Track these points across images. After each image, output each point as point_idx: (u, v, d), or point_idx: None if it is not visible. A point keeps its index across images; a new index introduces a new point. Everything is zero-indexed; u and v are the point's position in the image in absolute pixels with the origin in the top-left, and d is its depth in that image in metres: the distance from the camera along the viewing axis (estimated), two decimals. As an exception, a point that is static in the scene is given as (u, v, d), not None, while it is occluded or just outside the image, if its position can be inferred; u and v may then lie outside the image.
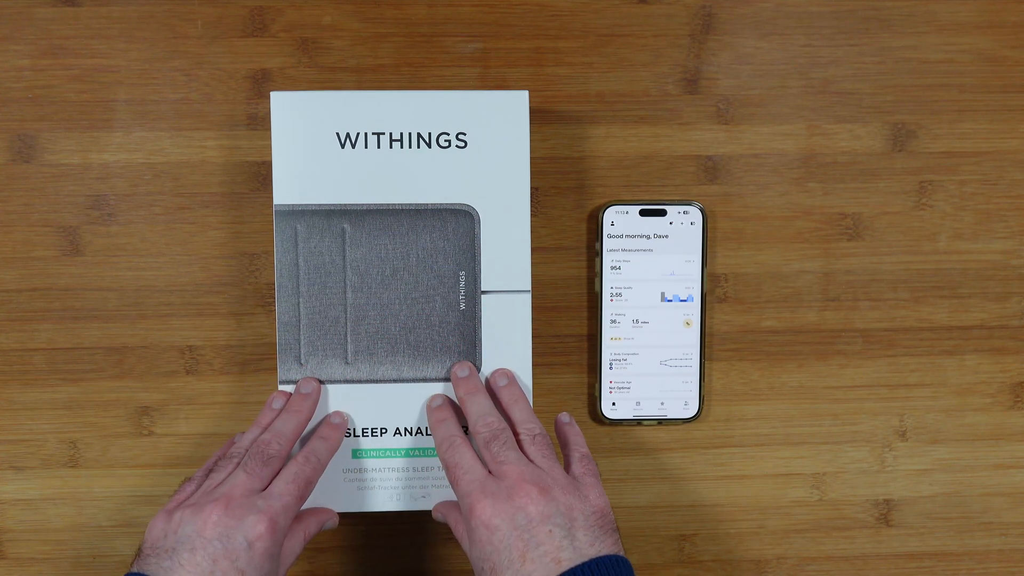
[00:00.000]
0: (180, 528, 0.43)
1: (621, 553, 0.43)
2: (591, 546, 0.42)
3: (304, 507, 0.50)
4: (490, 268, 0.51)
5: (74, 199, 0.54)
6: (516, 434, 0.48)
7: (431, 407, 0.50)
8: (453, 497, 0.51)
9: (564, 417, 0.51)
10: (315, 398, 0.50)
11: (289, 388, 0.50)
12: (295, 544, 0.47)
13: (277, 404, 0.50)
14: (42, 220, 0.54)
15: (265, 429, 0.48)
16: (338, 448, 0.50)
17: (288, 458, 0.47)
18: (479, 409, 0.48)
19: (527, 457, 0.46)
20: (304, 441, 0.49)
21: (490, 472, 0.45)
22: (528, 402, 0.50)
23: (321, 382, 0.51)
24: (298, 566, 0.56)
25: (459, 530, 0.48)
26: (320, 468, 0.48)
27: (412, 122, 0.50)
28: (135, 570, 0.42)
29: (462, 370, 0.50)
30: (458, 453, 0.47)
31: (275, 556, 0.44)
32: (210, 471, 0.47)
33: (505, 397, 0.50)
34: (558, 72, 0.54)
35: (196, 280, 0.54)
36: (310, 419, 0.50)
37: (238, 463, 0.46)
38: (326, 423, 0.50)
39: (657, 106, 0.55)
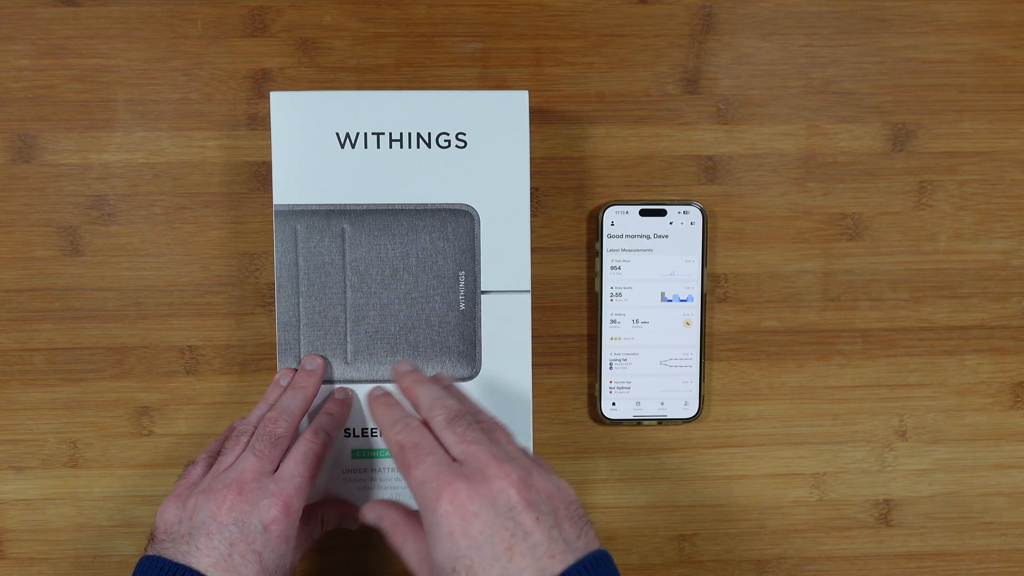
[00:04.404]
0: (195, 514, 0.43)
1: (602, 547, 0.40)
2: (578, 539, 0.39)
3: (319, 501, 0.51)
4: (490, 268, 0.51)
5: (74, 199, 0.54)
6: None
7: (373, 396, 0.48)
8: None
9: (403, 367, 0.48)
10: (320, 374, 0.50)
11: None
12: (312, 527, 0.48)
13: (284, 381, 0.50)
14: (42, 220, 0.54)
15: (271, 407, 0.48)
16: (345, 423, 0.50)
17: (296, 435, 0.47)
18: (432, 394, 0.45)
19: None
20: (312, 419, 0.49)
21: (452, 458, 0.41)
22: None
23: (325, 358, 0.50)
24: (298, 566, 0.56)
25: (398, 535, 0.44)
26: (329, 443, 0.48)
27: (412, 122, 0.50)
28: (151, 554, 0.43)
29: (405, 366, 0.49)
30: (416, 433, 0.42)
31: (290, 538, 0.44)
32: (217, 453, 0.47)
33: (455, 393, 0.47)
34: (558, 72, 0.54)
35: (196, 280, 0.54)
36: (315, 395, 0.49)
37: (247, 444, 0.46)
38: (331, 399, 0.50)
39: (657, 106, 0.55)
